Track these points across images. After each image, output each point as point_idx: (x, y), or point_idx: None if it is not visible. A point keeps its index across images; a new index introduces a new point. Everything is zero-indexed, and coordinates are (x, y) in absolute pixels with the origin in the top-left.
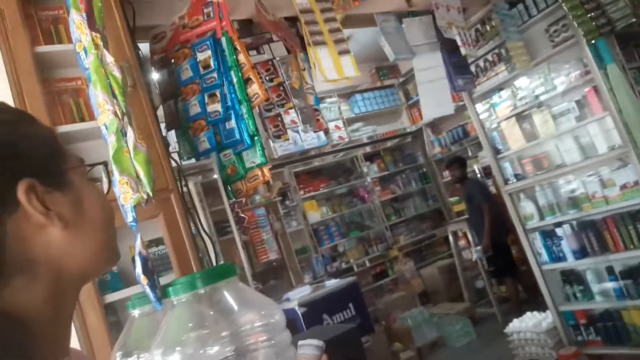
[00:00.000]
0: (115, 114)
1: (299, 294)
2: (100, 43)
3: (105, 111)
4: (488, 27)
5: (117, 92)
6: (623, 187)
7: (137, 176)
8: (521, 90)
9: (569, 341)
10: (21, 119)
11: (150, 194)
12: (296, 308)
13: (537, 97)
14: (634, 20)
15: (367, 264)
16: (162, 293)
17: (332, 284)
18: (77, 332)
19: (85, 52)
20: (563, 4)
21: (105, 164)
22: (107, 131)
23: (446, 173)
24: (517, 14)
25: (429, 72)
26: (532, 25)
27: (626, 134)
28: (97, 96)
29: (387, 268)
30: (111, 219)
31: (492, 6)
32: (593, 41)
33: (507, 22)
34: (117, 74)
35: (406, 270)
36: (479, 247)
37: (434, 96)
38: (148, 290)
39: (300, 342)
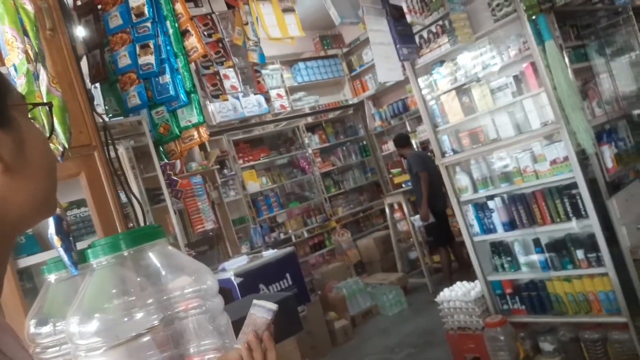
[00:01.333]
0: (27, 53)
1: (235, 264)
2: None
3: (14, 49)
4: None
5: (28, 28)
6: (553, 162)
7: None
8: (462, 64)
9: (495, 310)
10: None
11: (66, 146)
12: (232, 278)
13: (476, 72)
14: None
15: (306, 235)
16: (78, 257)
17: (269, 254)
18: None
19: None
20: None
21: (50, 105)
22: (16, 73)
23: (385, 147)
24: None
25: (381, 34)
26: None
27: (559, 110)
28: (5, 32)
29: (325, 239)
30: (53, 166)
31: None
32: (534, 17)
33: None
34: (29, 7)
35: (343, 242)
36: (417, 216)
37: (386, 59)
38: (62, 252)
39: (255, 301)
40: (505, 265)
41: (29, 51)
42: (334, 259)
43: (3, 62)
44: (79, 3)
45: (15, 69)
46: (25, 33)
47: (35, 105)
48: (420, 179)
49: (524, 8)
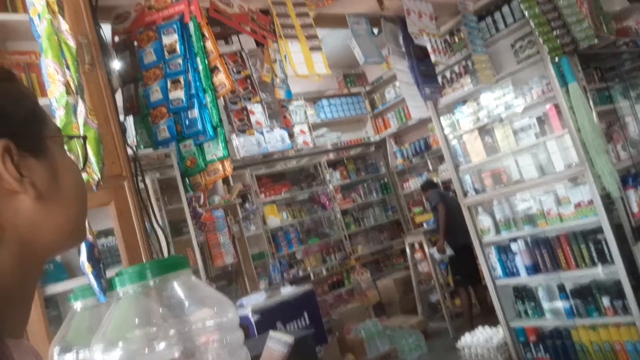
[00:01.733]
0: (67, 85)
1: (253, 300)
2: (56, 9)
3: (55, 82)
4: (456, 39)
5: (70, 62)
6: (577, 205)
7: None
8: (485, 104)
9: (518, 358)
10: (5, 77)
11: (99, 176)
12: (249, 315)
13: (499, 112)
14: (596, 41)
15: (324, 273)
16: (107, 284)
17: (287, 291)
18: None
19: (39, 17)
20: (530, 20)
21: (84, 138)
22: (56, 104)
23: (407, 185)
24: (485, 27)
25: (407, 74)
26: (498, 40)
27: (583, 153)
28: (48, 66)
29: (343, 278)
30: (84, 195)
31: (461, 17)
32: (557, 59)
33: (474, 34)
34: (72, 43)
35: (363, 281)
36: (434, 248)
37: (412, 97)
38: (92, 279)
39: (271, 333)
40: (529, 311)
41: (70, 84)
42: (352, 299)
43: (45, 93)
44: (116, 39)
45: (56, 101)
46: (66, 67)
47: (71, 137)
48: (439, 212)
49: (547, 50)
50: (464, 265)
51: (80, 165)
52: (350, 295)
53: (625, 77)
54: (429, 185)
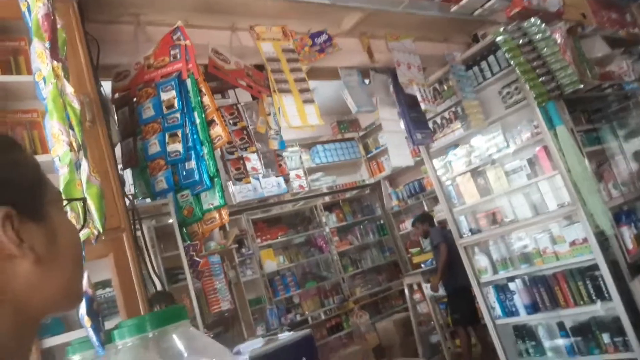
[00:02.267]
0: (70, 145)
1: (250, 347)
2: (61, 73)
3: (59, 142)
4: (445, 87)
5: (74, 123)
6: (572, 243)
7: (88, 211)
8: (476, 147)
9: None
10: (8, 145)
11: (101, 230)
12: None
13: (490, 154)
14: (581, 86)
15: (323, 317)
16: (106, 337)
17: (285, 336)
18: None
19: (45, 81)
20: (516, 68)
21: (84, 200)
22: (59, 162)
23: (403, 226)
24: (473, 75)
25: (392, 123)
26: (487, 87)
27: (575, 192)
28: (53, 127)
29: (342, 321)
30: (81, 258)
31: (449, 67)
32: (543, 104)
33: (463, 82)
34: (76, 105)
35: (362, 324)
36: (428, 284)
37: (396, 146)
38: (91, 333)
39: None
40: (530, 350)
41: (73, 143)
42: (352, 342)
43: (47, 150)
44: (116, 96)
45: (59, 159)
46: (70, 127)
47: (71, 200)
48: (440, 251)
49: (534, 96)
50: (462, 305)
51: (79, 225)
52: (349, 339)
53: (612, 118)
54: (425, 219)
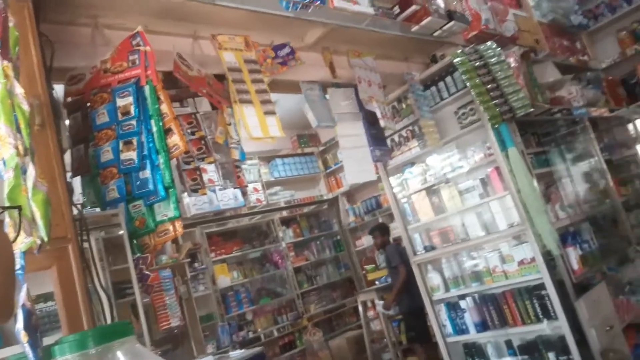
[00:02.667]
0: (17, 149)
1: None
2: (10, 73)
3: (5, 145)
4: (404, 105)
5: (22, 125)
6: (521, 262)
7: (33, 218)
8: (431, 166)
9: None
10: None
11: (45, 239)
12: None
13: (445, 173)
14: (532, 109)
15: (276, 334)
16: (44, 354)
17: (236, 354)
18: None
19: None
20: (471, 90)
21: (19, 209)
22: (4, 167)
23: (359, 242)
24: (430, 95)
25: (352, 139)
26: (443, 107)
27: (524, 212)
28: (0, 128)
29: (295, 338)
30: (10, 269)
31: (408, 86)
32: (496, 125)
33: (421, 101)
34: (26, 107)
35: (315, 341)
36: (381, 302)
37: (357, 162)
38: (28, 348)
39: None
40: None
41: (19, 147)
42: None
43: None
44: (69, 100)
45: (4, 163)
46: (18, 130)
47: (5, 209)
48: (399, 272)
49: (488, 117)
50: (418, 323)
51: (14, 233)
52: (302, 357)
53: (560, 142)
54: (385, 231)
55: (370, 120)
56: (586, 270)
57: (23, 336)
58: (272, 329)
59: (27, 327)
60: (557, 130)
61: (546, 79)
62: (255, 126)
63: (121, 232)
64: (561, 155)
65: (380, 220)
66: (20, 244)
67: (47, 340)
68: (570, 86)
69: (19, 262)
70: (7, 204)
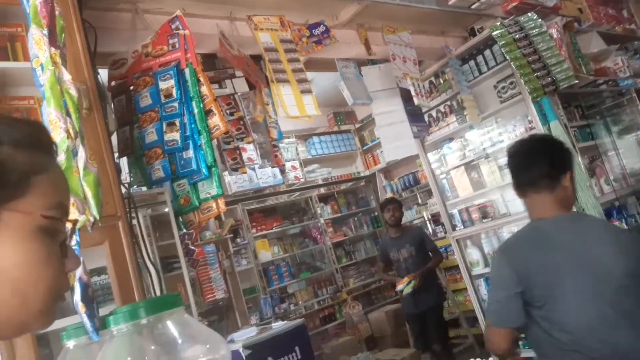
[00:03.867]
0: (68, 132)
1: (244, 336)
2: (58, 60)
3: (56, 129)
4: (441, 80)
5: (71, 110)
6: None
7: (85, 198)
8: (470, 141)
9: None
10: None
11: (97, 217)
12: (240, 350)
13: (484, 148)
14: (576, 81)
15: (316, 307)
16: (100, 324)
17: (278, 326)
18: None
19: (42, 68)
20: (511, 63)
21: (74, 222)
22: (56, 150)
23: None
24: (468, 69)
25: (389, 115)
26: (482, 81)
27: None
28: (50, 114)
29: (335, 311)
30: (43, 278)
31: (446, 60)
32: (538, 99)
33: (459, 76)
34: (74, 92)
35: (354, 314)
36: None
37: (395, 139)
38: (85, 319)
39: None
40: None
41: (70, 130)
42: (344, 332)
43: None
44: (112, 84)
45: (56, 146)
46: (67, 114)
47: (47, 218)
48: (438, 261)
49: (529, 91)
50: (442, 324)
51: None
52: (342, 329)
53: (605, 114)
54: (399, 203)
55: (406, 96)
56: None
57: (81, 307)
58: (312, 301)
59: (84, 299)
60: (603, 103)
61: (590, 50)
62: (292, 105)
63: (167, 209)
64: (606, 128)
65: (418, 197)
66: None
67: (101, 312)
68: (616, 56)
69: (74, 239)
70: None
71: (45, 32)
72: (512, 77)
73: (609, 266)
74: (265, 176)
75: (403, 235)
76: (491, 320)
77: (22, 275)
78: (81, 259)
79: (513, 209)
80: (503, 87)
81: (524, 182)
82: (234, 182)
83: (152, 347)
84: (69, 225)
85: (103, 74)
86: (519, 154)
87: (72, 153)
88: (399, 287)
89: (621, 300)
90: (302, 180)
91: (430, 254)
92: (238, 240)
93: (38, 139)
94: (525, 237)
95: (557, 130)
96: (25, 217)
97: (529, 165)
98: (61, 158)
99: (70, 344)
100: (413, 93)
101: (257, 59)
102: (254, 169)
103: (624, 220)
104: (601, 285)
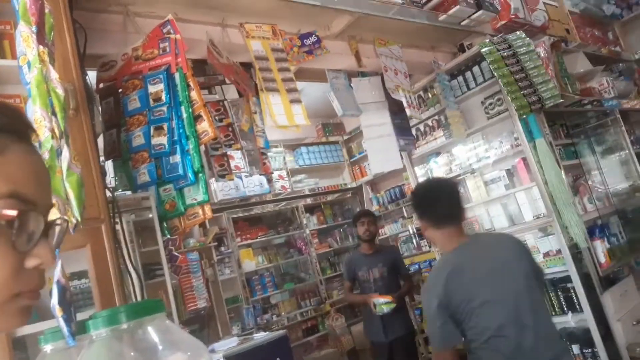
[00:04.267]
0: (52, 131)
1: (225, 346)
2: (46, 59)
3: (41, 127)
4: (430, 95)
5: (57, 109)
6: (546, 254)
7: (67, 198)
8: (457, 156)
9: None
10: None
11: (79, 219)
12: None
13: (471, 164)
14: (561, 100)
15: (299, 318)
16: (77, 328)
17: (260, 336)
18: None
19: (29, 66)
20: (499, 80)
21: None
22: (40, 149)
23: (382, 231)
24: (457, 85)
25: (377, 128)
26: (470, 97)
27: (551, 204)
28: (35, 112)
29: (318, 323)
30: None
31: (434, 76)
32: (524, 116)
33: (447, 91)
34: (60, 91)
35: (337, 327)
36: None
37: (382, 151)
38: (62, 323)
39: None
40: None
41: (55, 130)
42: (327, 345)
43: None
44: (101, 86)
45: (40, 145)
46: (53, 113)
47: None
48: (410, 285)
49: (515, 108)
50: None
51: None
52: (324, 341)
53: (590, 134)
54: (373, 217)
55: (394, 109)
56: (613, 263)
57: (58, 311)
58: (295, 312)
59: (62, 302)
60: (587, 122)
61: (576, 70)
62: (281, 114)
63: (150, 215)
64: (590, 147)
65: (404, 210)
66: None
67: (80, 316)
68: (601, 77)
69: (56, 239)
70: None
71: (34, 29)
72: (499, 94)
73: (511, 271)
74: (252, 185)
75: (377, 254)
76: (436, 346)
77: None
78: (59, 261)
79: (498, 224)
80: (490, 104)
81: (433, 219)
82: (220, 190)
83: (132, 354)
84: (40, 222)
85: (91, 75)
86: (426, 196)
87: (56, 153)
88: (381, 299)
89: (525, 300)
90: (289, 190)
91: (401, 281)
92: (222, 248)
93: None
94: (440, 269)
95: (543, 148)
96: None
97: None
98: (45, 157)
99: (47, 348)
100: (405, 104)
101: (247, 66)
102: (240, 177)
103: (606, 239)
104: (508, 289)
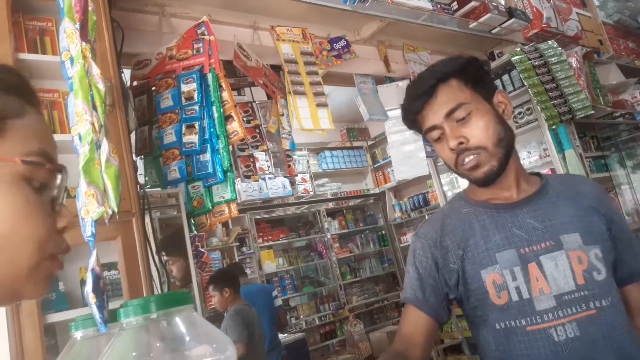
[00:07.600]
0: (93, 125)
1: None
2: (88, 55)
3: (82, 120)
4: None
5: (98, 104)
6: None
7: (105, 190)
8: None
9: None
10: None
11: (116, 210)
12: None
13: None
14: (593, 112)
15: (317, 322)
16: (109, 316)
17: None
18: (10, 351)
19: (72, 61)
20: (529, 89)
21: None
22: (80, 141)
23: (404, 238)
24: None
25: (403, 134)
26: None
27: None
28: (77, 105)
29: (336, 328)
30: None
31: None
32: (554, 126)
33: None
34: (101, 86)
35: (355, 333)
36: None
37: (407, 157)
38: (95, 310)
39: None
40: None
41: (95, 123)
42: (344, 350)
43: (65, 130)
44: (135, 84)
45: (80, 138)
46: (94, 107)
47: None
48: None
49: (545, 118)
50: None
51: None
52: (342, 346)
53: (621, 147)
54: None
55: None
56: None
57: (91, 298)
58: (314, 316)
59: (95, 290)
60: (618, 135)
61: (609, 82)
62: (306, 117)
63: (175, 212)
64: (621, 161)
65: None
66: (92, 213)
67: (109, 306)
68: (634, 90)
69: (89, 229)
70: (81, 176)
71: (78, 26)
72: (529, 103)
73: None
74: (275, 187)
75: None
76: None
77: (4, 230)
78: (94, 250)
79: None
80: (520, 113)
81: None
82: (244, 191)
83: (159, 344)
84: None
85: (126, 73)
86: None
87: (96, 145)
88: None
89: None
90: (312, 193)
91: None
92: (244, 249)
93: (13, 84)
94: None
95: (572, 159)
96: (4, 165)
97: None
98: (85, 149)
99: (77, 334)
100: None
101: (276, 68)
102: (264, 179)
103: None
104: None
